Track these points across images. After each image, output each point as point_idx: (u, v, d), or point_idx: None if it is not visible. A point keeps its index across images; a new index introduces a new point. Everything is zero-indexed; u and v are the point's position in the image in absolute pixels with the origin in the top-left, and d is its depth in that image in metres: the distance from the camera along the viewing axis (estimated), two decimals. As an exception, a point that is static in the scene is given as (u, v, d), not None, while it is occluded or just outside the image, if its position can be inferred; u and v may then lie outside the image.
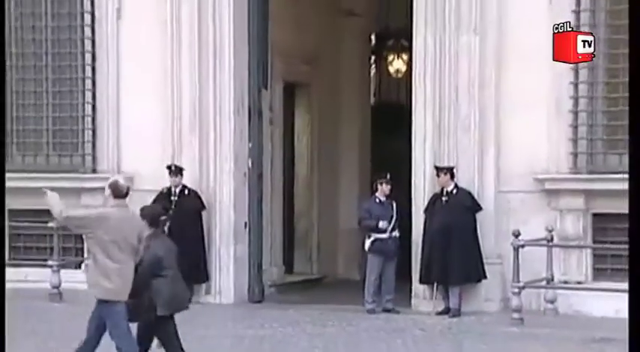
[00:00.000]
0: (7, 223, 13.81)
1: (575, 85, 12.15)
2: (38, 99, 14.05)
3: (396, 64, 17.38)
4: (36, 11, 14.02)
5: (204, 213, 13.13)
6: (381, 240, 12.48)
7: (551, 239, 12.02)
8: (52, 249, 13.38)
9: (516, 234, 11.68)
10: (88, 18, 13.83)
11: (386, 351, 10.20)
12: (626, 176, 11.98)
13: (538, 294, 12.05)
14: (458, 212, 12.09)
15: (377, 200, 12.62)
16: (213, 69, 13.20)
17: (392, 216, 12.49)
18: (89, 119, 13.89)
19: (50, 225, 13.10)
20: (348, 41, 16.56)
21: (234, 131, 13.25)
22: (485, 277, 12.16)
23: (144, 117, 13.61)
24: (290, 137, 15.94)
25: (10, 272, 12.85)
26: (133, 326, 8.20)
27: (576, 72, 12.12)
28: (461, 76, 12.35)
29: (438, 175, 12.26)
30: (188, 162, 13.18)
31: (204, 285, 13.16)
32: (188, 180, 13.10)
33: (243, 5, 13.33)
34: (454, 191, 12.19)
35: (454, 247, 12.04)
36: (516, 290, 11.59)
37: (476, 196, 12.21)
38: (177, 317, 12.09)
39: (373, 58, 17.67)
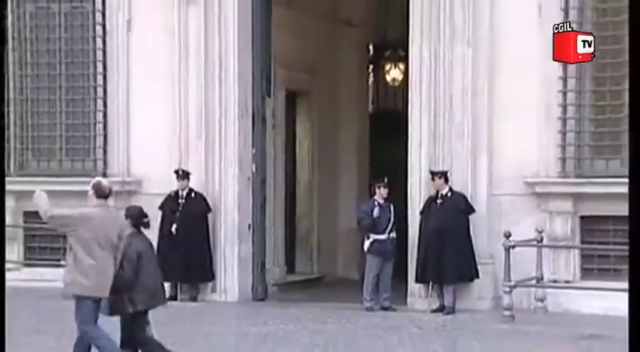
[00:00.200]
0: (21, 224, 13.91)
1: (564, 93, 12.14)
2: (52, 107, 14.05)
3: (393, 73, 17.39)
4: (50, 23, 14.02)
5: (209, 215, 13.12)
6: (380, 241, 12.48)
7: (541, 240, 12.02)
8: (65, 249, 13.32)
9: (507, 235, 11.68)
10: (99, 30, 13.83)
11: (383, 347, 10.17)
12: (612, 180, 12.08)
13: (528, 293, 12.03)
14: (452, 214, 12.08)
15: (375, 203, 12.62)
16: (218, 78, 13.21)
17: (390, 219, 12.50)
18: (100, 126, 13.89)
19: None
20: (347, 51, 16.58)
21: (239, 137, 13.25)
22: (477, 276, 12.16)
23: (152, 124, 13.61)
24: (292, 142, 15.95)
25: (25, 272, 13.01)
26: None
27: (565, 81, 12.12)
28: (455, 85, 12.35)
29: (433, 179, 12.25)
30: (194, 167, 13.18)
31: (209, 284, 13.16)
32: (194, 183, 13.10)
33: (247, 17, 13.33)
34: (448, 194, 12.19)
35: (448, 248, 12.03)
36: (507, 289, 11.59)
37: (469, 199, 12.21)
38: (182, 314, 12.16)
39: (371, 67, 17.67)
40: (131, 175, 13.84)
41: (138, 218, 8.30)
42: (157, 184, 13.43)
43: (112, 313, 8.18)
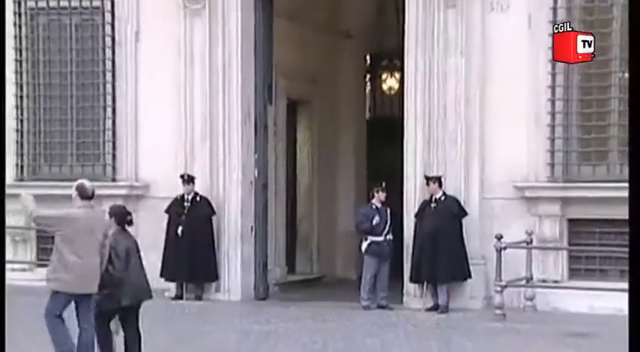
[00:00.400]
0: (34, 226, 13.91)
1: (553, 102, 12.14)
2: (63, 115, 14.03)
3: (390, 82, 17.38)
4: (62, 35, 14.01)
5: (214, 218, 13.10)
6: (377, 242, 12.48)
7: (531, 242, 12.03)
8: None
9: (499, 237, 11.68)
10: (108, 41, 13.82)
11: (380, 344, 10.18)
12: (599, 185, 12.12)
13: (518, 292, 12.03)
14: (445, 217, 12.09)
15: (373, 206, 12.62)
16: (222, 87, 13.19)
17: (386, 221, 12.50)
18: (109, 132, 13.88)
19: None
20: (346, 61, 16.58)
21: (242, 143, 13.24)
22: (470, 276, 12.15)
23: (159, 131, 13.60)
24: (292, 148, 15.95)
25: (38, 272, 12.97)
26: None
27: (553, 89, 12.12)
28: (448, 94, 12.35)
29: (427, 184, 12.25)
30: (199, 172, 13.16)
31: (214, 284, 13.14)
32: (199, 188, 13.09)
33: (250, 29, 13.33)
34: (442, 198, 12.19)
35: (442, 249, 12.02)
36: (499, 288, 11.59)
37: (462, 203, 12.20)
38: (188, 313, 12.17)
39: (368, 76, 17.66)
40: (139, 180, 13.84)
41: (121, 216, 8.30)
42: (163, 188, 13.43)
43: (99, 309, 8.18)
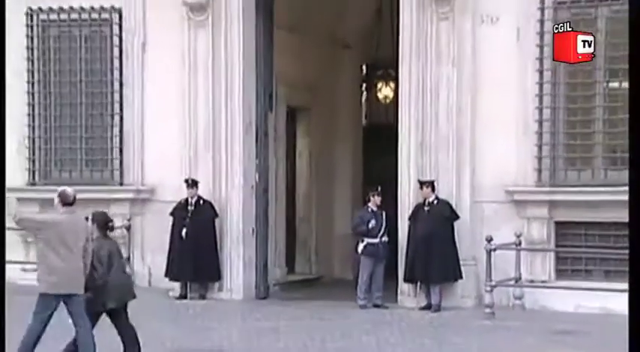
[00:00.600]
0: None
1: (540, 110, 12.15)
2: (73, 122, 14.03)
3: (385, 91, 17.39)
4: (72, 46, 14.02)
5: (216, 221, 13.11)
6: (373, 244, 12.50)
7: (519, 243, 12.03)
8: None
9: (489, 239, 11.70)
10: (116, 51, 13.82)
11: (375, 342, 10.18)
12: (584, 189, 12.14)
13: (508, 292, 12.04)
14: (438, 220, 12.09)
15: (369, 210, 12.64)
16: (225, 95, 13.20)
17: (382, 224, 12.51)
18: (117, 139, 13.88)
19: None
20: (343, 71, 16.58)
21: (243, 149, 13.24)
22: (461, 277, 12.16)
23: (164, 137, 13.60)
24: (292, 154, 15.95)
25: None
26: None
27: (540, 98, 12.13)
28: (440, 102, 12.36)
29: (421, 188, 12.25)
30: (203, 176, 13.16)
31: (217, 283, 13.14)
32: (203, 191, 13.09)
33: (251, 40, 13.35)
34: (435, 202, 12.20)
35: (435, 251, 12.03)
36: (489, 288, 11.61)
37: (454, 206, 12.20)
38: (192, 311, 12.18)
39: (364, 85, 17.66)
40: (145, 184, 13.85)
41: (103, 222, 8.34)
42: (168, 192, 13.44)
43: (88, 309, 8.20)
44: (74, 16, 13.95)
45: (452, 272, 12.11)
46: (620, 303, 11.41)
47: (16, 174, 13.98)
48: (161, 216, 13.35)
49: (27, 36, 14.11)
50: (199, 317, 11.85)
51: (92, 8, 13.86)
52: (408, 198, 12.47)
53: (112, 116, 13.91)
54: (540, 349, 9.89)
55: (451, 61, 12.28)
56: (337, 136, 16.55)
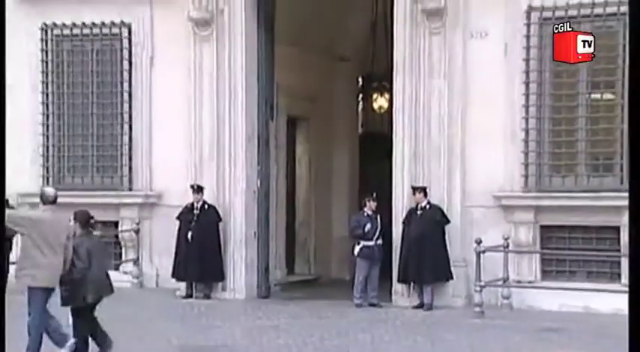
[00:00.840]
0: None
1: (526, 120, 12.15)
2: (85, 131, 14.06)
3: (380, 102, 17.36)
4: (84, 59, 14.06)
5: (220, 224, 13.11)
6: (368, 246, 12.50)
7: (507, 246, 12.03)
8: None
9: (478, 242, 11.69)
10: (126, 64, 13.85)
11: (370, 339, 10.19)
12: (568, 194, 12.18)
13: (496, 292, 12.03)
14: (430, 224, 12.10)
15: (365, 214, 12.65)
16: (228, 105, 13.20)
17: (377, 227, 12.53)
18: (126, 147, 13.89)
19: (94, 234, 13.17)
20: (341, 82, 16.58)
21: (246, 156, 13.24)
22: (452, 277, 12.16)
23: (171, 145, 13.62)
24: (292, 161, 15.94)
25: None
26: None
27: (527, 109, 12.14)
28: (433, 112, 12.37)
29: (413, 193, 12.26)
30: (208, 182, 13.16)
31: (221, 284, 13.14)
32: (208, 196, 13.10)
33: (254, 53, 13.36)
34: (427, 206, 12.21)
35: (427, 253, 12.04)
36: (478, 288, 11.61)
37: (445, 211, 12.21)
38: (197, 310, 12.19)
39: (361, 96, 17.65)
40: (153, 189, 13.88)
41: (85, 220, 8.37)
42: (175, 197, 13.44)
43: (65, 304, 8.25)
44: (86, 31, 13.98)
45: (443, 273, 12.11)
46: (601, 302, 11.49)
47: (31, 180, 14.02)
48: (168, 219, 13.36)
49: (42, 50, 14.13)
50: (204, 315, 11.85)
51: (103, 23, 13.88)
52: (401, 202, 12.48)
53: (122, 125, 13.93)
54: (527, 346, 9.88)
55: (442, 74, 12.30)
56: (335, 144, 16.55)
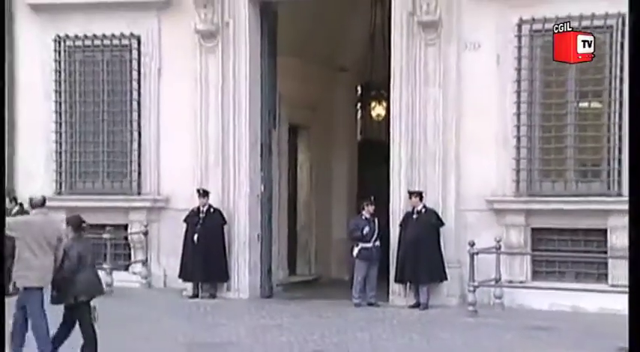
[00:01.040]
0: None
1: (518, 127, 12.17)
2: (96, 138, 14.04)
3: (378, 110, 17.36)
4: (95, 69, 14.04)
5: (225, 227, 13.11)
6: (366, 248, 12.50)
7: (499, 248, 12.03)
8: (105, 255, 13.38)
9: (472, 244, 11.70)
10: (135, 75, 13.83)
11: (369, 337, 10.20)
12: (557, 199, 12.21)
13: (489, 291, 12.02)
14: (425, 227, 12.11)
15: (363, 217, 12.66)
16: (233, 114, 13.21)
17: (375, 230, 12.54)
18: (135, 153, 13.87)
19: (104, 236, 13.23)
20: (340, 91, 16.58)
21: (250, 162, 13.25)
22: (447, 278, 12.16)
23: (178, 151, 13.60)
24: (293, 167, 15.94)
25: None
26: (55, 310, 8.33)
27: (518, 117, 12.15)
28: (428, 120, 12.38)
29: (410, 197, 12.27)
30: (213, 187, 13.17)
31: (225, 284, 13.13)
32: (213, 200, 13.11)
33: (257, 64, 13.36)
34: (423, 210, 12.22)
35: (423, 254, 12.05)
36: (472, 288, 11.61)
37: (440, 214, 12.22)
38: (203, 309, 12.20)
39: (359, 104, 17.63)
40: (161, 194, 13.87)
41: (76, 224, 8.41)
42: (182, 201, 13.43)
43: (56, 302, 8.27)
44: (97, 42, 13.99)
45: (438, 273, 12.12)
46: (589, 302, 11.51)
47: (44, 185, 14.02)
48: (175, 222, 13.36)
49: (55, 60, 14.15)
50: (210, 314, 11.86)
51: (113, 35, 13.90)
52: (398, 206, 12.49)
53: (131, 132, 13.92)
54: (518, 343, 9.89)
55: (437, 83, 12.32)
56: (334, 151, 16.55)
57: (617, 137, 11.69)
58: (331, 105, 16.29)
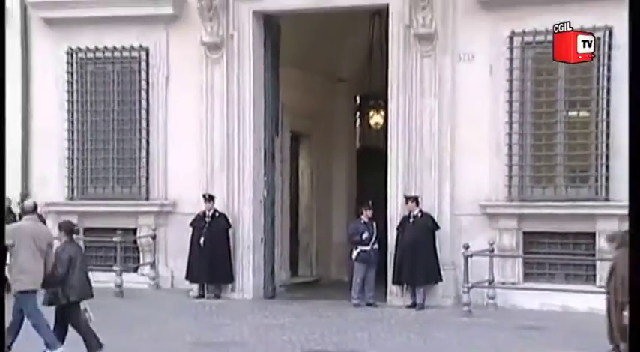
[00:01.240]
0: (82, 237, 13.95)
1: (510, 135, 12.18)
2: (106, 145, 14.05)
3: (376, 118, 17.35)
4: (106, 80, 14.06)
5: (230, 231, 13.12)
6: (365, 251, 12.51)
7: (492, 250, 12.03)
8: (115, 257, 13.40)
9: (466, 247, 11.71)
10: (144, 84, 13.85)
11: (367, 336, 10.20)
12: (548, 204, 12.23)
13: (482, 292, 12.02)
14: (422, 230, 12.12)
15: (362, 221, 12.67)
16: (237, 122, 13.23)
17: (373, 234, 12.56)
18: (144, 160, 13.87)
19: (115, 239, 13.25)
20: (340, 101, 16.60)
21: (253, 168, 13.26)
22: (442, 280, 12.16)
23: (185, 158, 13.60)
24: (295, 173, 15.95)
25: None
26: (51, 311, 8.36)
27: (510, 125, 12.16)
28: (424, 128, 12.40)
29: (406, 202, 12.27)
30: (218, 192, 13.17)
31: (230, 285, 13.14)
32: (218, 205, 13.11)
33: (260, 74, 13.39)
34: (419, 214, 12.22)
35: (419, 257, 12.05)
36: (466, 289, 11.61)
37: (435, 218, 12.22)
38: (209, 309, 12.21)
39: (358, 113, 17.61)
40: (168, 199, 13.88)
41: (68, 229, 8.48)
42: (188, 206, 13.44)
43: (49, 304, 8.34)
44: (108, 54, 14.01)
45: (434, 275, 12.12)
46: (578, 302, 11.53)
47: (57, 191, 14.06)
48: (182, 226, 13.38)
49: (67, 72, 14.18)
50: (215, 314, 11.87)
51: (123, 47, 13.93)
52: (396, 211, 12.50)
53: (140, 140, 13.93)
54: (511, 342, 9.88)
55: (433, 93, 12.34)
56: (334, 157, 16.56)
57: (604, 145, 11.71)
58: (331, 114, 16.31)
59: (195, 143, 13.46)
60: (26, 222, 8.47)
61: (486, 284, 12.01)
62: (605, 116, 11.71)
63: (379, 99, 16.13)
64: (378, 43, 15.40)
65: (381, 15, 14.05)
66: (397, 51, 12.52)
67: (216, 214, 13.06)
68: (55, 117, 14.19)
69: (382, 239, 12.61)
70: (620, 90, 11.59)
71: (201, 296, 13.13)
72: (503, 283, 12.15)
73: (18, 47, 14.11)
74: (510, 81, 12.16)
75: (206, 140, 13.33)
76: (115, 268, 13.25)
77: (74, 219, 13.47)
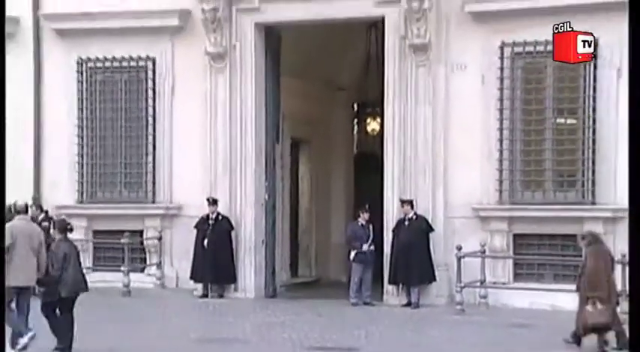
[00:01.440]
0: (91, 239, 13.96)
1: (501, 141, 12.18)
2: (114, 151, 14.01)
3: (372, 125, 17.29)
4: (114, 89, 14.05)
5: (233, 233, 13.11)
6: (362, 252, 12.51)
7: (484, 252, 12.03)
8: (123, 258, 13.39)
9: (459, 248, 11.71)
10: (150, 93, 13.84)
11: (364, 334, 10.19)
12: (537, 207, 12.26)
13: (474, 292, 12.01)
14: (416, 232, 12.12)
15: (359, 224, 12.68)
16: (239, 129, 13.22)
17: (369, 236, 12.56)
18: (150, 165, 13.85)
19: (122, 241, 13.26)
20: (338, 109, 16.57)
21: (255, 173, 13.25)
22: (435, 280, 12.17)
23: (190, 163, 13.59)
24: (295, 177, 15.92)
25: (95, 276, 13.01)
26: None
27: (501, 132, 12.17)
28: (419, 135, 12.40)
29: (402, 206, 12.28)
30: (221, 196, 13.16)
31: (232, 285, 13.13)
32: (221, 208, 13.10)
33: (262, 83, 13.38)
34: (414, 217, 12.22)
35: (414, 258, 12.06)
36: (459, 288, 11.62)
37: (430, 221, 12.23)
38: (212, 308, 12.21)
39: (355, 120, 17.59)
40: (173, 202, 13.86)
41: (62, 227, 8.50)
42: (193, 209, 13.41)
43: (44, 299, 8.36)
44: (116, 64, 14.00)
45: (428, 275, 12.13)
46: (566, 301, 11.54)
47: (66, 195, 14.06)
48: (187, 228, 13.38)
49: (77, 80, 14.19)
50: (218, 312, 11.87)
51: (131, 57, 13.94)
52: (391, 213, 12.50)
53: (146, 146, 13.90)
54: (502, 339, 9.90)
55: (427, 101, 12.35)
56: (333, 163, 16.53)
57: (590, 150, 11.75)
58: (330, 122, 16.30)
59: (199, 149, 13.46)
60: (18, 222, 8.47)
61: (478, 284, 12.01)
62: (591, 123, 11.74)
63: (376, 106, 16.10)
64: (375, 54, 15.42)
65: (377, 26, 14.07)
66: (393, 61, 12.55)
67: (220, 217, 13.05)
68: (65, 124, 14.20)
69: (378, 240, 12.60)
70: (606, 99, 11.64)
71: (205, 295, 13.13)
72: (495, 283, 12.15)
73: (30, 57, 14.13)
74: (501, 89, 12.18)
75: (210, 146, 13.33)
76: (122, 268, 13.24)
77: (83, 222, 13.66)
